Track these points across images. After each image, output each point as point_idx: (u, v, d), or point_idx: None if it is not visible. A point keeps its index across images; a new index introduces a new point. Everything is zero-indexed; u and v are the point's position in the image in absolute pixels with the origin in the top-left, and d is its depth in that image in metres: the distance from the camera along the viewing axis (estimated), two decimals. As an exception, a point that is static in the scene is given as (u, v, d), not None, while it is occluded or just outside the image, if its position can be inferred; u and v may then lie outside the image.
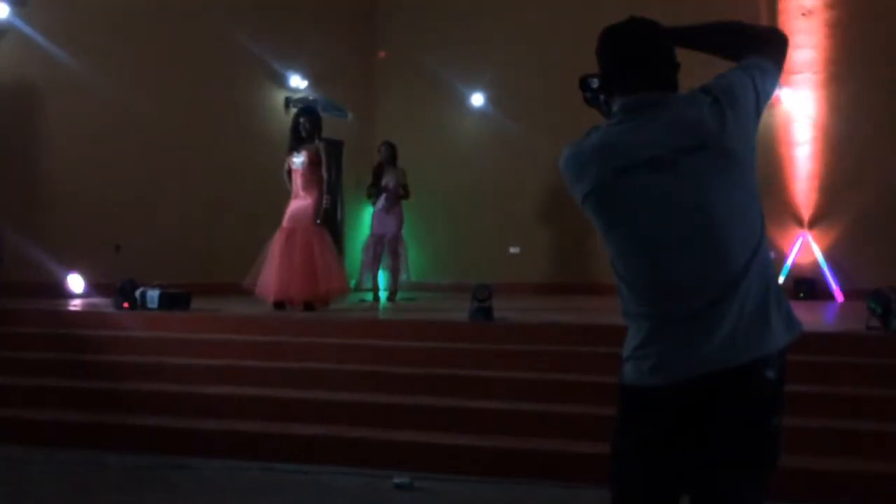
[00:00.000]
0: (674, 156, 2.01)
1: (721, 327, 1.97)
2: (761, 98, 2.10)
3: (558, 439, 5.22)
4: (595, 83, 2.23)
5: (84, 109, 9.50)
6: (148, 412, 5.98)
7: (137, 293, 7.69)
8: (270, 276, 7.92)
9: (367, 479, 5.04)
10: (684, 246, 2.00)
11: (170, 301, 7.63)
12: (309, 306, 7.94)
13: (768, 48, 2.18)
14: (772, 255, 8.11)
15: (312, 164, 8.16)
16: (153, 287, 7.72)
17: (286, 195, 8.13)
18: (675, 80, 2.15)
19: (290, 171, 8.25)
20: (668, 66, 2.15)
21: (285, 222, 8.11)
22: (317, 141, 8.25)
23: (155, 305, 7.59)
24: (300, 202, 8.13)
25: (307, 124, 8.25)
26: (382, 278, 10.05)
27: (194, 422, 5.80)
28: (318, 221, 8.16)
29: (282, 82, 11.63)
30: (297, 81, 11.69)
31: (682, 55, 2.24)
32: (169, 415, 5.92)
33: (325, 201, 8.21)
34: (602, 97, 2.21)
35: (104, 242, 9.37)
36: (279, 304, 7.95)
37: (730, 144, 2.02)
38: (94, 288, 9.13)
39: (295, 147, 8.22)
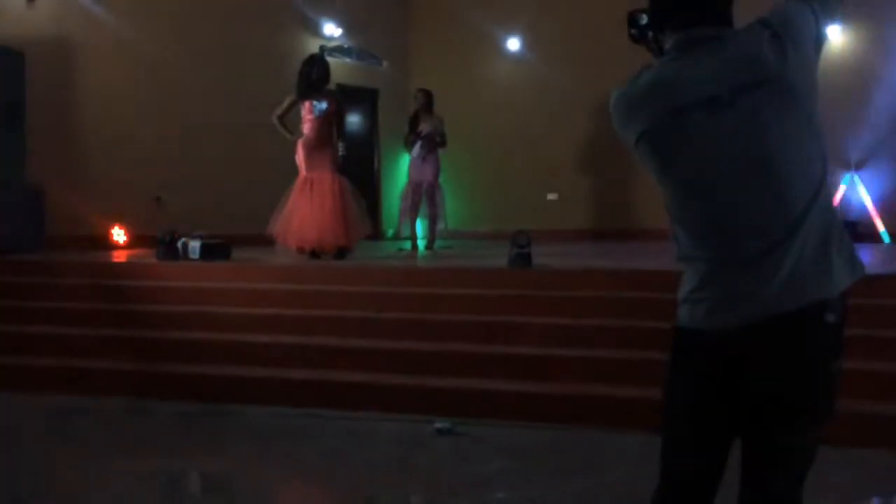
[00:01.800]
0: (732, 94, 1.92)
1: (780, 271, 1.90)
2: (822, 30, 2.01)
3: (598, 384, 5.21)
4: (644, 19, 2.13)
5: (122, 63, 9.52)
6: (191, 360, 6.07)
7: (179, 244, 7.77)
8: (299, 225, 7.91)
9: (409, 424, 5.08)
10: (742, 188, 1.93)
11: (211, 251, 7.70)
12: (340, 253, 7.96)
13: None
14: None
15: (332, 113, 8.12)
16: (194, 238, 7.79)
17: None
18: (730, 13, 2.05)
19: (281, 117, 8.18)
20: (722, 1, 2.04)
21: (307, 170, 8.05)
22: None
23: (196, 256, 7.67)
24: (320, 150, 8.06)
25: (321, 72, 8.17)
26: (420, 226, 10.03)
27: (237, 369, 5.88)
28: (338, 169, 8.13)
29: (316, 30, 11.52)
30: (332, 29, 11.57)
31: None
32: (212, 363, 6.01)
33: (342, 148, 8.19)
34: (651, 34, 2.12)
35: (145, 195, 9.46)
36: (314, 254, 7.98)
37: (791, 79, 1.93)
38: (136, 239, 9.25)
39: (309, 94, 8.12)
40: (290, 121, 8.33)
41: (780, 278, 1.90)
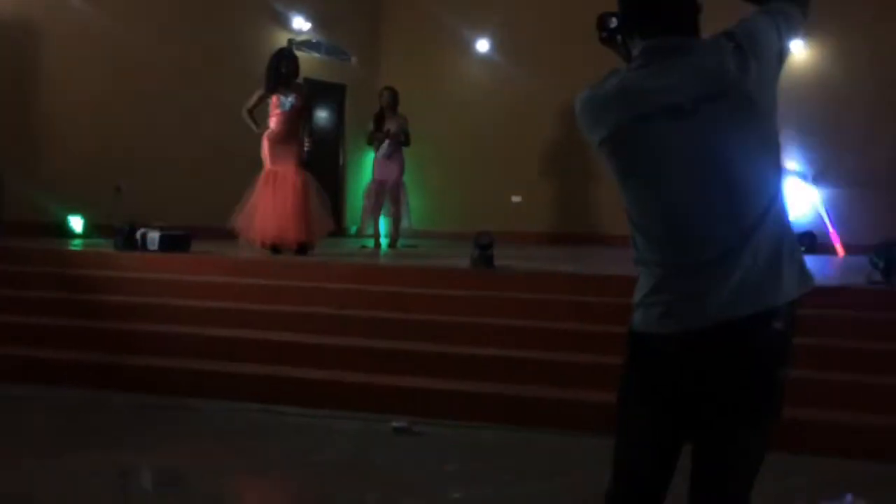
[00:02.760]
0: (694, 103, 1.96)
1: (731, 278, 1.94)
2: (785, 46, 2.05)
3: (557, 387, 5.25)
4: (613, 22, 2.16)
5: (85, 51, 9.38)
6: (149, 352, 6.00)
7: (138, 234, 7.67)
8: (262, 219, 7.84)
9: (366, 423, 5.07)
10: (700, 195, 1.97)
11: (170, 243, 7.61)
12: (302, 249, 7.92)
13: None
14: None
15: (300, 108, 8.09)
16: (154, 228, 7.69)
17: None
18: (698, 23, 2.08)
19: (250, 110, 8.11)
20: (690, 9, 2.07)
21: (271, 164, 7.99)
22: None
23: (156, 247, 7.58)
24: (285, 144, 8.00)
25: (291, 66, 8.12)
26: (384, 224, 10.01)
27: (195, 363, 5.82)
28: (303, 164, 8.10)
29: (284, 24, 11.44)
30: (301, 23, 11.50)
31: None
32: (170, 356, 5.95)
33: (307, 143, 8.16)
34: (620, 37, 2.15)
35: (105, 184, 9.31)
36: (275, 249, 7.92)
37: (752, 93, 1.97)
38: (94, 229, 9.11)
39: (275, 88, 8.05)
40: (258, 114, 8.26)
41: (731, 285, 1.94)
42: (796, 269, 2.01)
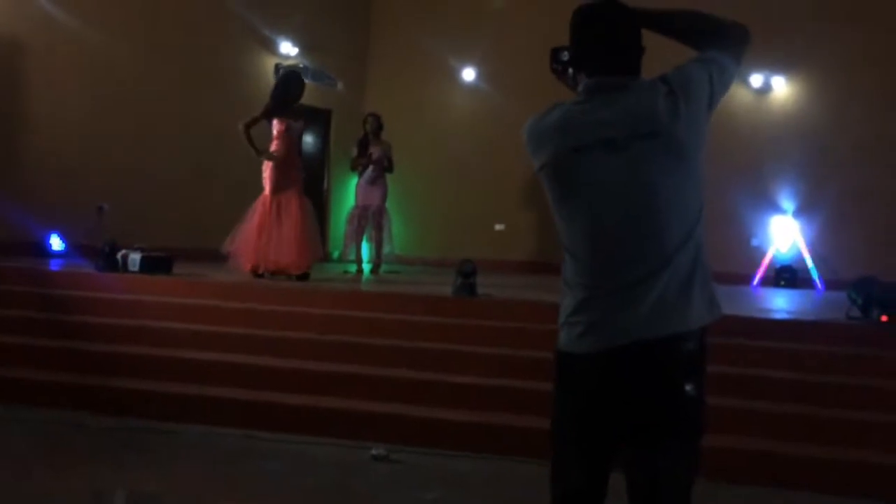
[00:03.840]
0: (627, 140, 2.12)
1: (646, 301, 2.09)
2: (716, 93, 2.20)
3: (538, 416, 5.23)
4: (565, 56, 2.31)
5: (69, 70, 9.38)
6: (128, 375, 5.95)
7: (119, 255, 7.63)
8: (265, 246, 7.74)
9: (345, 449, 5.05)
10: (624, 224, 2.12)
11: (152, 264, 7.58)
12: (304, 276, 7.85)
13: (730, 43, 2.26)
14: (755, 241, 8.08)
15: (303, 133, 8.09)
16: (135, 250, 7.66)
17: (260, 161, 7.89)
18: (639, 64, 2.24)
19: (248, 126, 7.90)
20: (633, 51, 2.24)
21: (275, 190, 7.86)
22: None
23: (136, 268, 7.54)
24: (289, 169, 7.94)
25: (300, 90, 8.06)
26: (366, 250, 10.02)
27: (174, 386, 5.78)
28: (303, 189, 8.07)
29: (272, 48, 11.51)
30: (288, 48, 11.56)
31: (654, 38, 2.30)
32: (149, 378, 5.89)
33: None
34: (570, 71, 2.30)
35: (87, 203, 9.27)
36: (260, 274, 7.85)
37: (680, 135, 2.12)
38: (75, 249, 9.05)
39: (283, 111, 7.97)
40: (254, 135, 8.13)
41: (646, 308, 2.08)
42: (707, 299, 2.15)
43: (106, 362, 6.10)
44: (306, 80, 11.70)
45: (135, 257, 7.59)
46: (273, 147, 7.99)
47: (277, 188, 7.90)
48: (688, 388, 2.10)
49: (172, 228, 9.70)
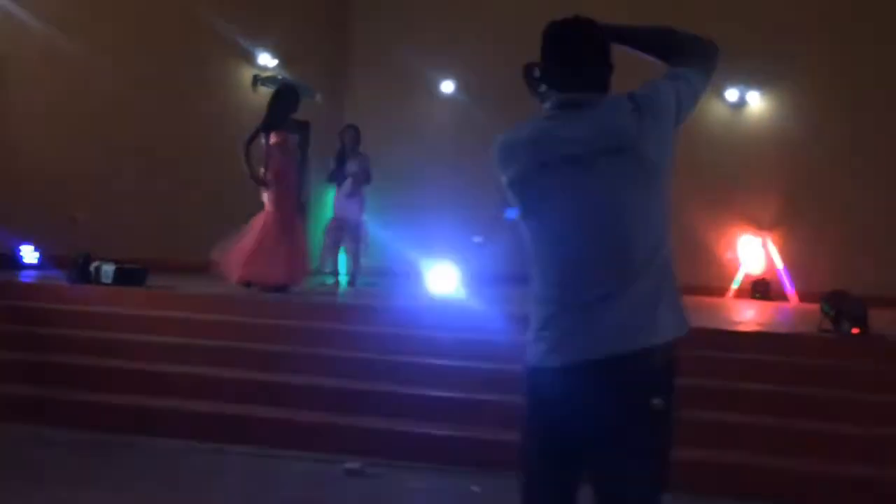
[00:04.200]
0: (592, 156, 2.13)
1: (613, 317, 2.09)
2: (683, 109, 2.21)
3: (514, 430, 5.22)
4: (537, 72, 2.33)
5: (46, 79, 9.31)
6: (98, 388, 5.87)
7: (92, 267, 7.56)
8: (273, 263, 7.60)
9: (319, 464, 5.01)
10: (590, 239, 2.14)
11: (125, 276, 7.50)
12: (282, 287, 7.75)
13: (698, 59, 2.28)
14: (730, 255, 8.13)
15: (298, 145, 7.98)
16: (109, 261, 7.58)
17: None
18: (608, 81, 2.26)
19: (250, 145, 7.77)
20: (601, 68, 2.26)
21: (279, 208, 7.72)
22: None
23: (110, 280, 7.46)
24: (292, 185, 7.86)
25: (295, 103, 7.97)
26: (343, 262, 9.99)
27: (145, 400, 5.72)
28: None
29: (250, 59, 11.47)
30: (266, 60, 11.53)
31: (625, 55, 2.32)
32: (119, 392, 5.83)
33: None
34: (543, 87, 2.31)
35: (61, 214, 9.19)
36: (279, 288, 7.69)
37: (645, 152, 2.14)
38: (49, 260, 8.95)
39: (283, 125, 7.81)
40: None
41: (613, 324, 2.09)
42: (675, 313, 2.16)
43: (76, 375, 6.03)
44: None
45: (108, 269, 7.51)
46: (275, 164, 7.81)
47: (281, 205, 7.75)
48: (656, 402, 2.11)
49: (147, 240, 9.62)
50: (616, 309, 2.09)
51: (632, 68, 2.52)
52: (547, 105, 2.27)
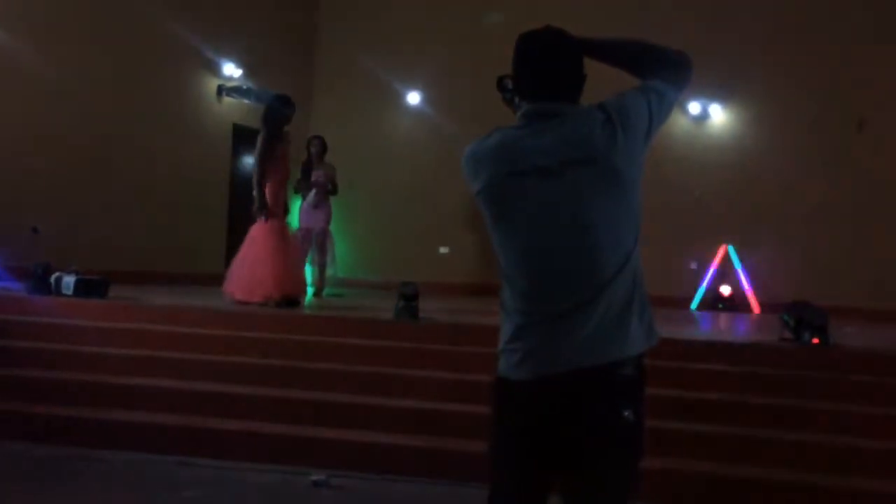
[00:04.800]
0: (561, 167, 2.11)
1: (583, 329, 2.08)
2: (654, 122, 2.20)
3: (479, 441, 5.21)
4: (509, 84, 2.30)
5: (4, 87, 9.15)
6: (59, 401, 5.78)
7: (52, 278, 7.44)
8: (284, 274, 7.58)
9: (284, 475, 4.97)
10: (559, 251, 2.12)
11: (86, 288, 7.39)
12: (294, 302, 7.76)
13: (671, 72, 2.27)
14: (693, 265, 8.20)
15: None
16: (69, 272, 7.47)
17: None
18: (579, 92, 2.25)
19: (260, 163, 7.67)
20: (573, 79, 2.25)
21: (280, 218, 7.77)
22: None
23: (70, 291, 7.35)
24: (285, 195, 7.88)
25: (291, 113, 7.93)
26: (309, 273, 9.94)
27: (106, 412, 5.64)
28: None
29: (215, 69, 11.40)
30: (231, 70, 11.48)
31: (598, 66, 2.32)
32: (80, 405, 5.74)
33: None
34: (516, 99, 2.31)
35: (21, 224, 9.03)
36: (291, 301, 7.67)
37: (616, 163, 2.12)
38: (7, 271, 8.79)
39: (279, 136, 7.77)
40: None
41: (584, 336, 2.08)
42: (644, 326, 2.15)
43: (35, 388, 5.93)
44: (249, 102, 11.72)
45: (69, 280, 7.41)
46: (279, 174, 7.77)
47: (280, 215, 7.78)
48: (626, 413, 2.10)
49: (111, 251, 9.50)
50: (586, 320, 2.08)
51: (606, 78, 2.51)
52: (517, 115, 2.26)
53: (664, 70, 2.25)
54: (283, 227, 7.83)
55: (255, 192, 7.71)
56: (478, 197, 2.24)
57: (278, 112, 7.87)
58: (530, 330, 2.13)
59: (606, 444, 2.09)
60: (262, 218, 7.67)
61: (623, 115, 2.14)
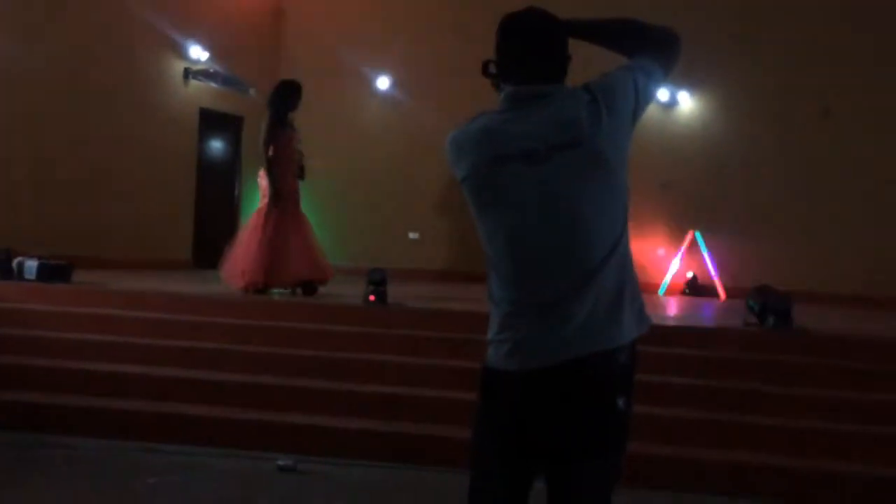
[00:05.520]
0: (548, 151, 2.05)
1: (574, 318, 2.03)
2: (641, 102, 2.14)
3: (447, 425, 5.24)
4: (493, 68, 2.24)
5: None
6: (22, 387, 5.70)
7: (14, 263, 7.32)
8: (298, 260, 7.46)
9: (251, 461, 4.95)
10: (546, 237, 2.05)
11: (49, 272, 7.28)
12: (313, 289, 7.61)
13: (659, 50, 2.21)
14: (661, 251, 8.27)
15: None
16: (32, 257, 7.36)
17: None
18: (563, 73, 2.18)
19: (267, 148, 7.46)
20: (556, 60, 2.18)
21: (295, 203, 7.63)
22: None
23: (33, 276, 7.24)
24: (292, 180, 7.68)
25: (299, 99, 7.73)
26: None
27: (72, 399, 5.57)
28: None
29: (181, 52, 11.25)
30: (198, 53, 11.33)
31: (585, 47, 2.26)
32: (45, 391, 5.66)
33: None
34: (500, 83, 2.23)
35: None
36: (307, 286, 7.53)
37: (601, 146, 2.06)
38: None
39: (285, 120, 7.59)
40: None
41: (575, 325, 2.03)
42: (635, 313, 2.11)
43: (-2, 374, 5.84)
44: (216, 86, 11.59)
45: (31, 265, 7.29)
46: (286, 157, 7.60)
47: (294, 199, 7.64)
48: (620, 402, 2.06)
49: (72, 236, 9.36)
50: (578, 309, 2.02)
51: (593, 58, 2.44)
52: (500, 98, 2.19)
53: (651, 48, 2.19)
54: (285, 212, 7.54)
55: (266, 179, 7.53)
56: (462, 184, 2.16)
57: (284, 97, 7.70)
58: (519, 320, 2.07)
59: (597, 435, 2.06)
60: (272, 204, 7.50)
61: (608, 96, 2.08)
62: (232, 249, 7.67)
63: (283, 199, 7.52)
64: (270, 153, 7.48)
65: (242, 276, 7.43)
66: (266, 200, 7.57)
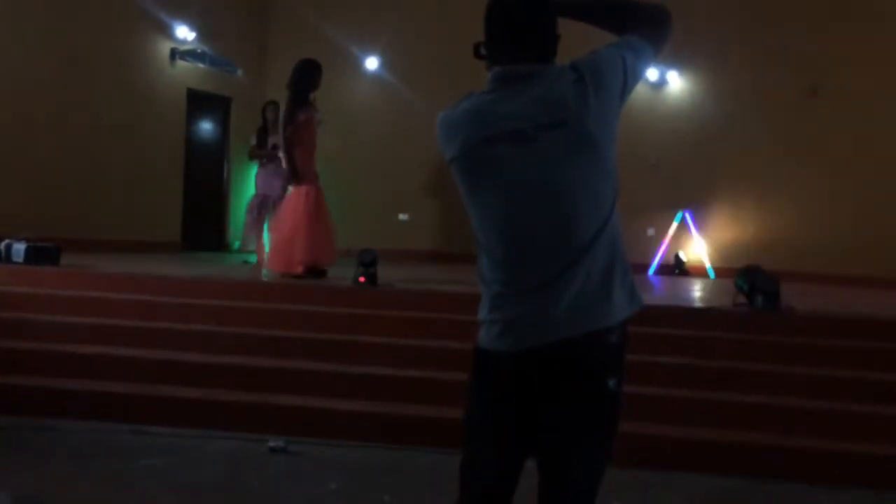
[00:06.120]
0: (535, 130, 2.04)
1: (564, 298, 2.02)
2: (629, 80, 2.13)
3: (437, 406, 5.25)
4: (482, 50, 2.23)
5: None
6: (10, 370, 5.67)
7: (2, 245, 7.28)
8: (323, 241, 7.42)
9: (242, 442, 4.95)
10: (535, 218, 2.05)
11: (37, 255, 7.25)
12: (322, 272, 7.55)
13: (649, 28, 2.19)
14: (650, 231, 8.29)
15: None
16: (20, 239, 7.31)
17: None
18: (551, 52, 2.17)
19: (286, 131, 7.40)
20: (545, 39, 2.16)
21: (317, 184, 7.55)
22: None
23: (21, 259, 7.20)
24: (314, 161, 7.63)
25: (319, 78, 7.64)
26: (267, 240, 9.84)
27: (61, 382, 5.55)
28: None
29: (167, 33, 11.15)
30: (185, 33, 11.23)
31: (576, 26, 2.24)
32: (32, 373, 5.65)
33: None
34: (490, 64, 2.21)
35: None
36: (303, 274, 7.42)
37: (588, 125, 2.05)
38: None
39: (306, 100, 7.50)
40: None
41: (565, 305, 2.02)
42: (627, 291, 2.10)
43: (-14, 358, 5.80)
44: (204, 66, 11.51)
45: (19, 247, 7.25)
46: (307, 139, 7.54)
47: (315, 180, 7.56)
48: (611, 382, 2.06)
49: (61, 218, 9.31)
50: (567, 288, 2.01)
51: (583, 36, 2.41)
52: (488, 78, 2.17)
53: (641, 25, 2.17)
54: (315, 194, 7.51)
55: (284, 161, 7.46)
56: (451, 165, 2.15)
57: (305, 75, 7.59)
58: (509, 300, 2.07)
59: (589, 416, 2.06)
60: (294, 184, 7.44)
61: (596, 74, 2.06)
62: (276, 237, 7.54)
63: (304, 179, 7.41)
64: (288, 133, 7.37)
65: (301, 262, 7.34)
66: (299, 182, 7.46)
